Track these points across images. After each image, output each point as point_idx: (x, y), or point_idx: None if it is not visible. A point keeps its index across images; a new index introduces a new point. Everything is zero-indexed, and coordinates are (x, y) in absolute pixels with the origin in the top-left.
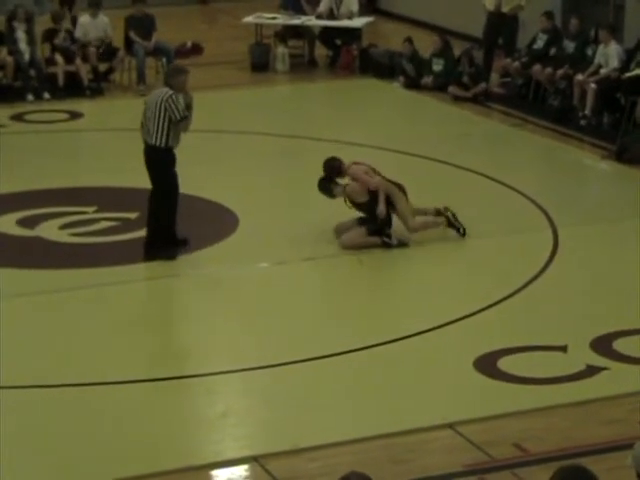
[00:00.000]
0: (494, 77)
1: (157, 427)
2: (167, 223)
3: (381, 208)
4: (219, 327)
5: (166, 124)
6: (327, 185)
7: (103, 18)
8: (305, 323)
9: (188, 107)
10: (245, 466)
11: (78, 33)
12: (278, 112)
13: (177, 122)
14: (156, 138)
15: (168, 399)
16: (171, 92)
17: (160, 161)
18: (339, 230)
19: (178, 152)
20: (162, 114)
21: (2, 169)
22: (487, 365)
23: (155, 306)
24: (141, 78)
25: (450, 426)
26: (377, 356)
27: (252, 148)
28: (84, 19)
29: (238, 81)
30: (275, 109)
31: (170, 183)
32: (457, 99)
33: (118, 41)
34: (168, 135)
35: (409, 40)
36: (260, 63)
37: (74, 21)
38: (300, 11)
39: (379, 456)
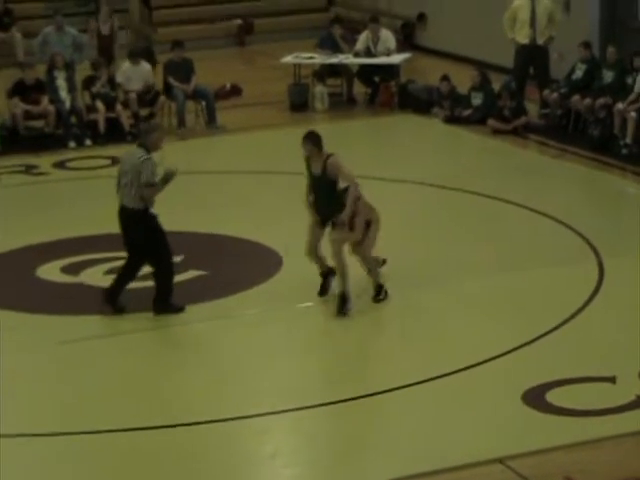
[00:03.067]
0: (532, 109)
1: (209, 467)
2: (169, 277)
3: (347, 212)
4: (268, 367)
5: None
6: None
7: (145, 65)
8: (352, 361)
9: (166, 179)
10: None
11: (120, 78)
12: None
13: (143, 185)
14: (135, 201)
15: (218, 440)
16: (145, 156)
17: (141, 224)
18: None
19: (219, 193)
20: (138, 177)
21: (45, 217)
22: (535, 398)
23: (203, 348)
24: (181, 122)
25: (500, 461)
26: (425, 391)
27: (293, 188)
28: (126, 66)
29: (277, 121)
30: None
31: (157, 242)
32: (497, 132)
33: (158, 86)
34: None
35: (446, 78)
36: (299, 103)
37: (112, 69)
38: (337, 50)
39: None
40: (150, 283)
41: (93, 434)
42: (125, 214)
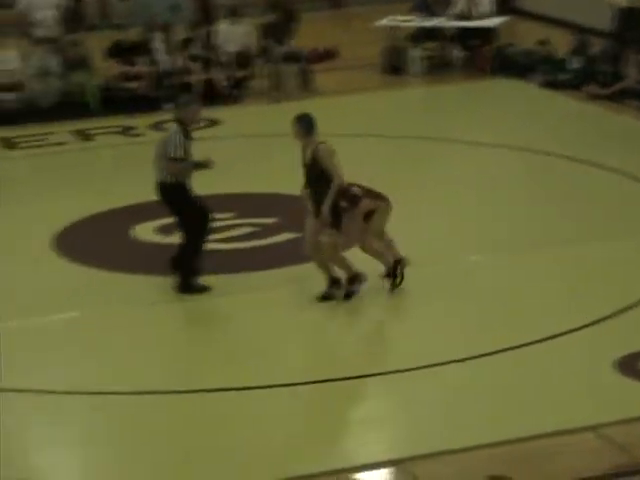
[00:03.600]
0: (632, 73)
1: (300, 431)
2: (190, 256)
3: (325, 208)
4: (356, 331)
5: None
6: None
7: (242, 26)
8: (447, 326)
9: (197, 165)
10: (387, 469)
11: (217, 40)
12: (413, 115)
13: (169, 159)
14: (165, 175)
15: (309, 403)
16: (175, 129)
17: (173, 197)
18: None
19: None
20: (166, 150)
21: (140, 178)
22: (628, 366)
23: (297, 311)
24: (276, 84)
25: (594, 428)
26: (517, 358)
27: (387, 151)
28: (224, 27)
29: (372, 85)
30: (410, 112)
31: (192, 216)
32: (594, 97)
33: (254, 48)
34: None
35: (543, 42)
36: (394, 66)
37: (210, 30)
38: (434, 13)
39: (520, 459)
40: (239, 245)
41: (177, 394)
42: (156, 187)
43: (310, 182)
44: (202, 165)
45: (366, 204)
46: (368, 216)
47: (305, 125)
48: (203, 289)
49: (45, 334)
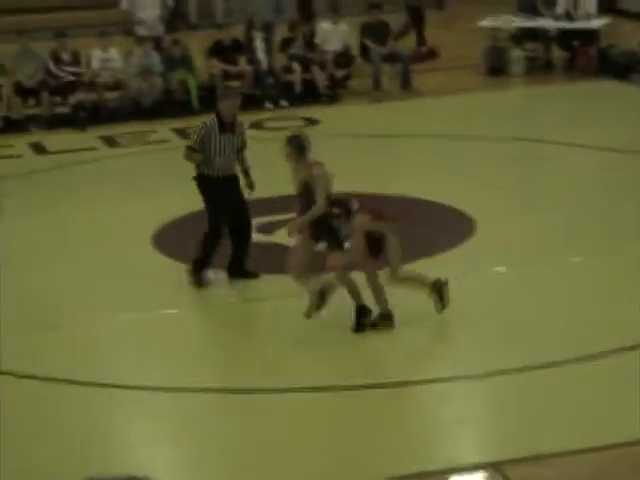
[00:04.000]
0: None
1: (393, 432)
2: (203, 247)
3: (299, 221)
4: (455, 331)
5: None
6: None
7: (342, 26)
8: (541, 328)
9: (241, 148)
10: (483, 472)
11: (318, 39)
12: (514, 115)
13: (186, 146)
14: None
15: (403, 404)
16: (210, 122)
17: (200, 188)
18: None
19: (413, 156)
20: None
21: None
22: None
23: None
24: (376, 84)
25: None
26: (617, 362)
27: (488, 152)
28: (325, 26)
29: (474, 85)
30: (511, 112)
31: (210, 215)
32: None
33: (354, 48)
34: (201, 162)
35: None
36: (496, 66)
37: (310, 30)
38: (536, 13)
39: (621, 464)
40: None
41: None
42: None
43: (303, 205)
44: (248, 178)
45: (362, 221)
46: (377, 245)
47: (297, 147)
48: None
49: (144, 330)
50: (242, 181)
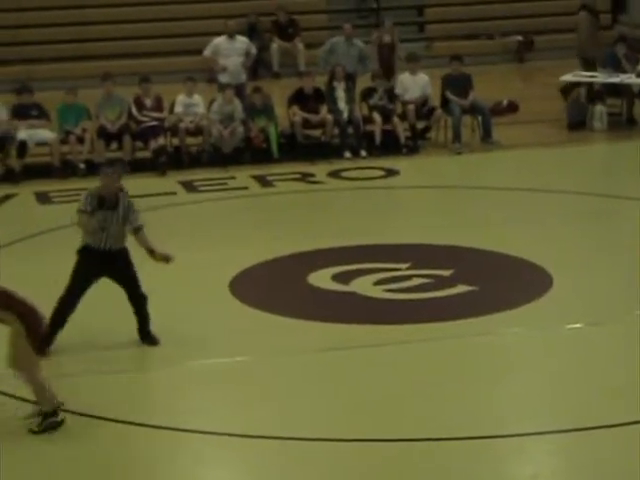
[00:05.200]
0: None
1: None
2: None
3: None
4: (529, 386)
5: None
6: None
7: (423, 76)
8: (620, 384)
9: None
10: None
11: (398, 89)
12: (594, 171)
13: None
14: None
15: (474, 458)
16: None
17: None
18: None
19: (493, 209)
20: None
21: (318, 225)
22: None
23: (465, 364)
24: (457, 136)
25: None
26: None
27: (567, 207)
28: (404, 77)
29: (554, 139)
30: (592, 167)
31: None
32: None
33: (435, 100)
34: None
35: None
36: (577, 121)
37: (391, 80)
38: (619, 69)
39: None
40: (413, 295)
41: (349, 442)
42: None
43: None
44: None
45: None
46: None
47: None
48: None
49: (216, 376)
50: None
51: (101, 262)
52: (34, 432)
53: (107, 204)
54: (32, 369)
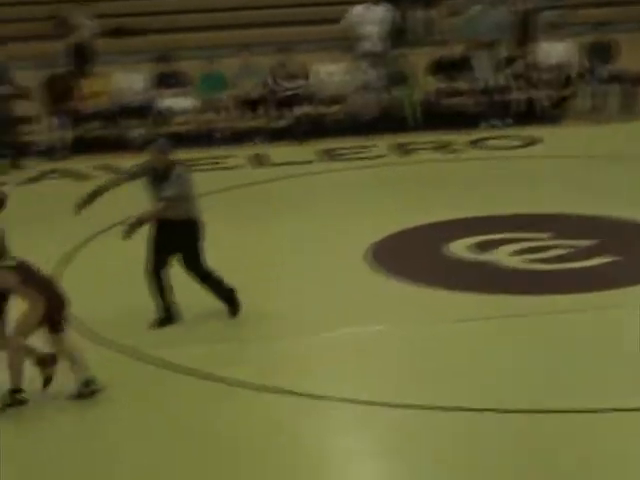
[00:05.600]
0: None
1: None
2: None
3: None
4: None
5: None
6: None
7: (564, 44)
8: None
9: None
10: None
11: (539, 58)
12: None
13: None
14: None
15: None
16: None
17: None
18: None
19: None
20: None
21: (457, 194)
22: None
23: (606, 336)
24: (598, 105)
25: None
26: None
27: None
28: (545, 45)
29: None
30: None
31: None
32: None
33: (576, 68)
34: None
35: None
36: None
37: (532, 49)
38: None
39: None
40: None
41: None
42: None
43: None
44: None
45: None
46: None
47: None
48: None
49: (351, 346)
50: None
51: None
52: None
53: (158, 177)
54: (22, 342)
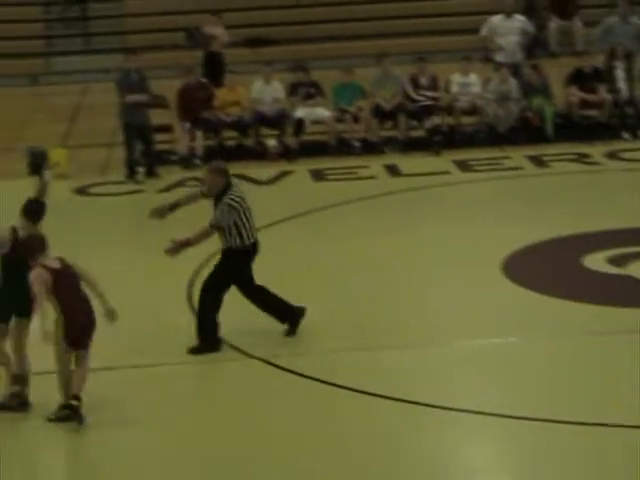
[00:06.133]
0: None
1: None
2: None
3: None
4: None
5: None
6: None
7: None
8: None
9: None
10: None
11: None
12: None
13: None
14: None
15: None
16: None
17: None
18: None
19: None
20: None
21: (594, 208)
22: None
23: None
24: None
25: None
26: None
27: None
28: None
29: None
30: None
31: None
32: None
33: None
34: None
35: None
36: None
37: None
38: None
39: None
40: None
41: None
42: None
43: None
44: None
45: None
46: None
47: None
48: None
49: (485, 356)
50: None
51: None
52: (50, 420)
53: (215, 198)
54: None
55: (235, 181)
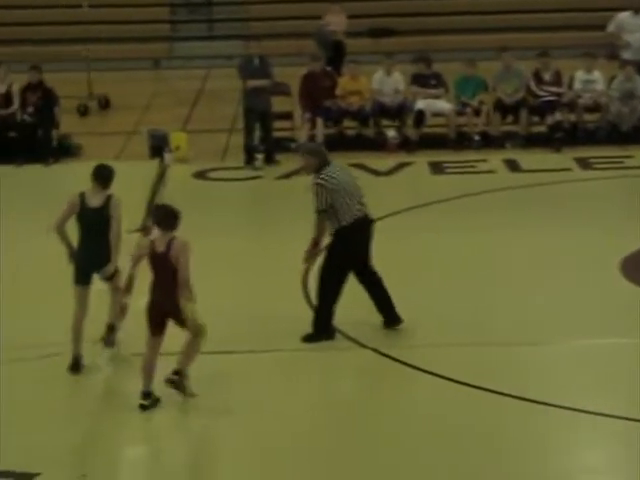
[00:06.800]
0: None
1: None
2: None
3: None
4: None
5: None
6: None
7: None
8: None
9: None
10: None
11: None
12: None
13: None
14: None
15: None
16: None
17: None
18: None
19: None
20: None
21: None
22: None
23: None
24: None
25: None
26: None
27: None
28: None
29: None
30: None
31: None
32: None
33: None
34: None
35: None
36: None
37: None
38: None
39: None
40: None
41: None
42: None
43: None
44: None
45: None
46: None
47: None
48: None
49: (598, 356)
50: None
51: None
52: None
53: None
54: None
55: (335, 162)
